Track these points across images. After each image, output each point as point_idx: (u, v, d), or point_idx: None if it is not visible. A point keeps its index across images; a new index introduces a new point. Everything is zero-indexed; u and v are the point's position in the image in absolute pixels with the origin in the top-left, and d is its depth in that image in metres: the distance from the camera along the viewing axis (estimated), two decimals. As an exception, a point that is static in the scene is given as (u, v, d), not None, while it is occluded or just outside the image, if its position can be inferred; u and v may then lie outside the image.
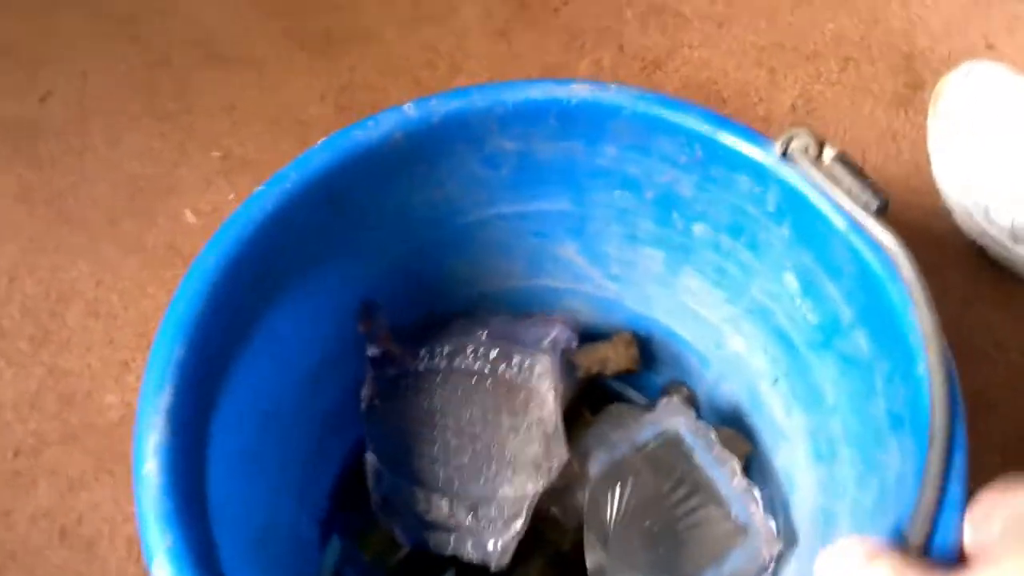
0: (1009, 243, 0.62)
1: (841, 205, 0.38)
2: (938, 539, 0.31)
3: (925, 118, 0.68)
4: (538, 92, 0.42)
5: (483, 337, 0.48)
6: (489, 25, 0.75)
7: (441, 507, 0.44)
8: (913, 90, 0.72)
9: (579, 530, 0.45)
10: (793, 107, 0.72)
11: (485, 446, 0.46)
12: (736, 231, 0.44)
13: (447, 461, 0.45)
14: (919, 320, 0.36)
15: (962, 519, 0.31)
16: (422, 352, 0.48)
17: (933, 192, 0.67)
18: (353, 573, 0.47)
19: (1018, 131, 0.61)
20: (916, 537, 0.31)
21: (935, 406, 0.34)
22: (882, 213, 0.38)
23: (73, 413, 0.58)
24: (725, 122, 0.41)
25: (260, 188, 0.39)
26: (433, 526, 0.44)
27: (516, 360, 0.47)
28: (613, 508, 0.45)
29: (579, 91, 0.42)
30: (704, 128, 0.41)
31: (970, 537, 0.29)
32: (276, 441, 0.43)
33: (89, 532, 0.54)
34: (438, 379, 0.47)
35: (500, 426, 0.46)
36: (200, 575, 0.31)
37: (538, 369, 0.46)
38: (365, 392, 0.47)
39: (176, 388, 0.34)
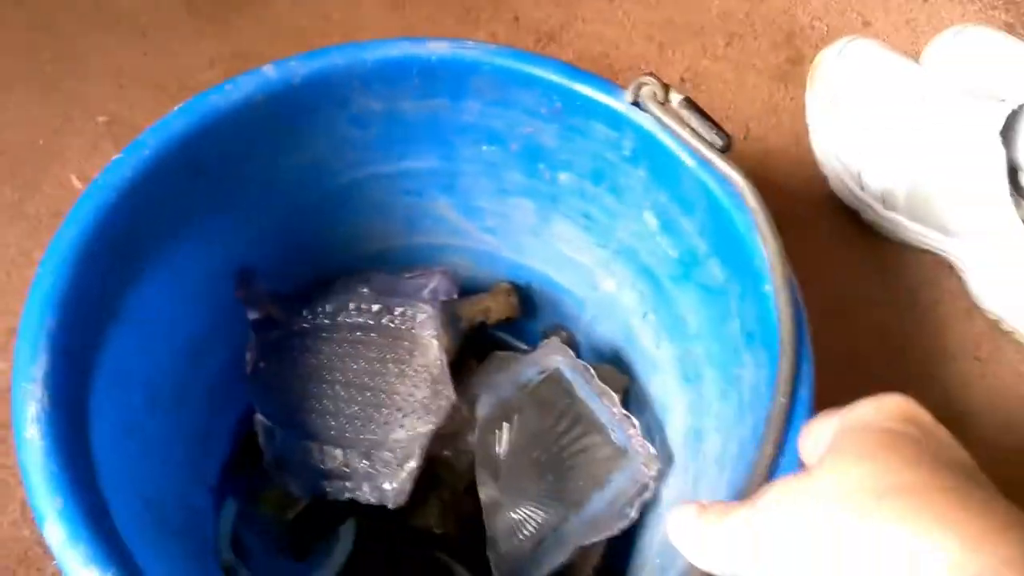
0: (880, 207, 0.65)
1: (690, 144, 0.40)
2: (791, 437, 0.34)
3: (804, 91, 0.71)
4: (397, 50, 0.43)
5: (365, 292, 0.49)
6: (384, -4, 0.75)
7: (336, 456, 0.45)
8: (793, 65, 0.74)
9: (472, 471, 0.46)
10: (681, 79, 0.74)
11: (374, 394, 0.47)
12: (598, 177, 0.45)
13: (338, 412, 0.46)
14: (763, 244, 0.38)
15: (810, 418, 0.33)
16: (305, 312, 0.48)
17: (811, 161, 0.69)
18: (250, 534, 0.47)
19: (888, 103, 0.64)
20: (771, 434, 0.34)
21: (782, 319, 0.36)
22: (726, 151, 0.40)
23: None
24: (580, 73, 0.43)
25: (118, 156, 0.38)
26: (329, 475, 0.45)
27: (398, 311, 0.48)
28: (501, 444, 0.46)
29: (438, 48, 0.43)
30: (560, 80, 0.43)
31: (802, 459, 0.31)
32: (162, 412, 0.42)
33: None
34: (323, 336, 0.48)
35: (387, 374, 0.47)
36: (94, 533, 0.30)
37: (420, 318, 0.47)
38: (249, 356, 0.47)
39: (50, 357, 0.34)
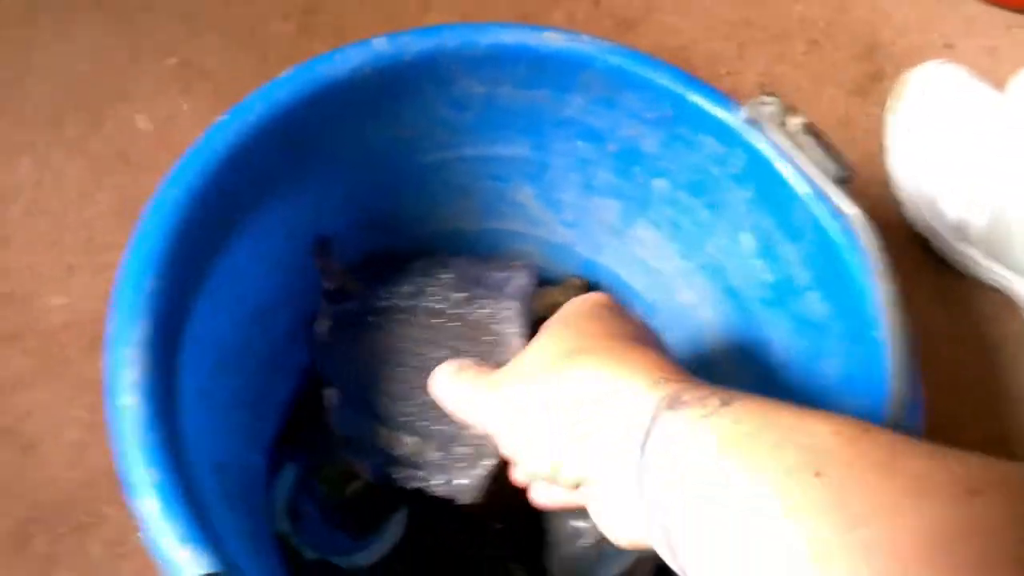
0: (952, 238, 0.64)
1: (805, 171, 0.39)
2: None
3: (881, 108, 0.70)
4: (511, 37, 0.41)
5: (447, 279, 0.47)
6: (465, -36, 0.73)
7: (406, 443, 0.43)
8: (872, 80, 0.73)
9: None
10: (758, 83, 0.72)
11: None
12: (697, 189, 0.44)
13: (410, 398, 0.44)
14: (878, 287, 0.37)
15: None
16: (381, 291, 0.47)
17: (883, 182, 0.68)
18: (307, 504, 0.47)
19: (973, 132, 0.63)
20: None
21: (895, 370, 0.35)
22: (845, 183, 0.39)
23: (14, 312, 0.56)
24: (696, 83, 0.42)
25: (222, 118, 0.37)
26: (399, 462, 0.43)
27: (484, 303, 0.46)
28: None
29: (552, 39, 0.41)
30: (675, 87, 0.41)
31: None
32: (228, 376, 0.42)
33: (30, 433, 0.53)
34: (400, 317, 0.46)
35: None
36: (189, 510, 0.30)
37: (504, 313, 0.46)
38: (320, 326, 0.46)
39: (152, 320, 0.33)
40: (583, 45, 0.42)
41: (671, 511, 0.25)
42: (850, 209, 0.38)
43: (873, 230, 0.37)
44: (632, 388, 0.28)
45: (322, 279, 0.46)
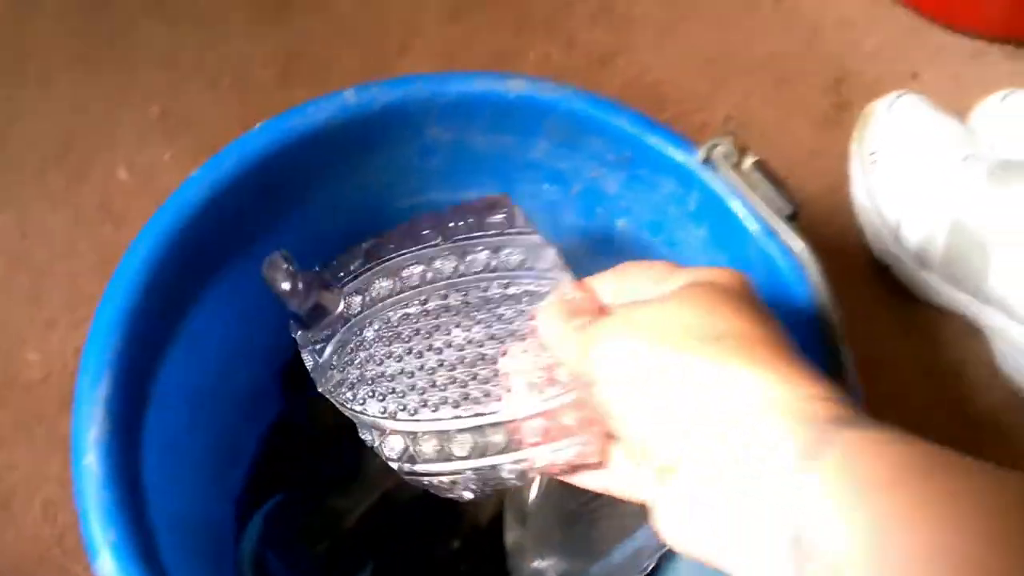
0: (914, 266, 0.66)
1: (756, 210, 0.41)
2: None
3: (848, 139, 0.72)
4: (477, 85, 0.43)
5: (438, 243, 0.39)
6: (444, 5, 0.76)
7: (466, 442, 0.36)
8: (839, 111, 0.75)
9: (498, 506, 0.47)
10: (728, 117, 0.74)
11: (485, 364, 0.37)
12: (656, 228, 0.46)
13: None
14: (822, 318, 0.38)
15: None
16: (366, 289, 0.38)
17: (847, 210, 0.70)
18: (274, 556, 0.47)
19: (933, 161, 0.65)
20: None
21: None
22: (793, 219, 0.40)
23: (-8, 367, 0.57)
24: (654, 126, 0.43)
25: (193, 174, 0.39)
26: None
27: (499, 247, 0.39)
28: (532, 492, 0.47)
29: (517, 86, 0.43)
30: (635, 130, 0.43)
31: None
32: (199, 428, 0.43)
33: (4, 489, 0.54)
34: (407, 305, 0.38)
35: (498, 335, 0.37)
36: (144, 569, 0.31)
37: (536, 250, 0.39)
38: (310, 359, 0.38)
39: (114, 378, 0.34)
40: (546, 91, 0.43)
41: (846, 533, 0.23)
42: (797, 244, 0.39)
43: (818, 264, 0.39)
44: (790, 402, 0.26)
45: (288, 304, 0.37)
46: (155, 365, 0.37)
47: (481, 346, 0.37)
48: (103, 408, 0.33)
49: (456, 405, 0.36)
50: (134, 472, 0.34)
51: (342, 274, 0.39)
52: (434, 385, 0.36)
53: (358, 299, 0.38)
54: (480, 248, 0.39)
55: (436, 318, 0.38)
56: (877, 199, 0.67)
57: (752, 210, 0.41)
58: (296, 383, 0.48)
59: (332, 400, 0.37)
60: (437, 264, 0.39)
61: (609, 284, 0.35)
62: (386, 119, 0.42)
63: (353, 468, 0.46)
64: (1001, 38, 0.80)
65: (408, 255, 0.39)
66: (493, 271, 0.39)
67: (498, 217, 0.40)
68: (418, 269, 0.39)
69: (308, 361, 0.38)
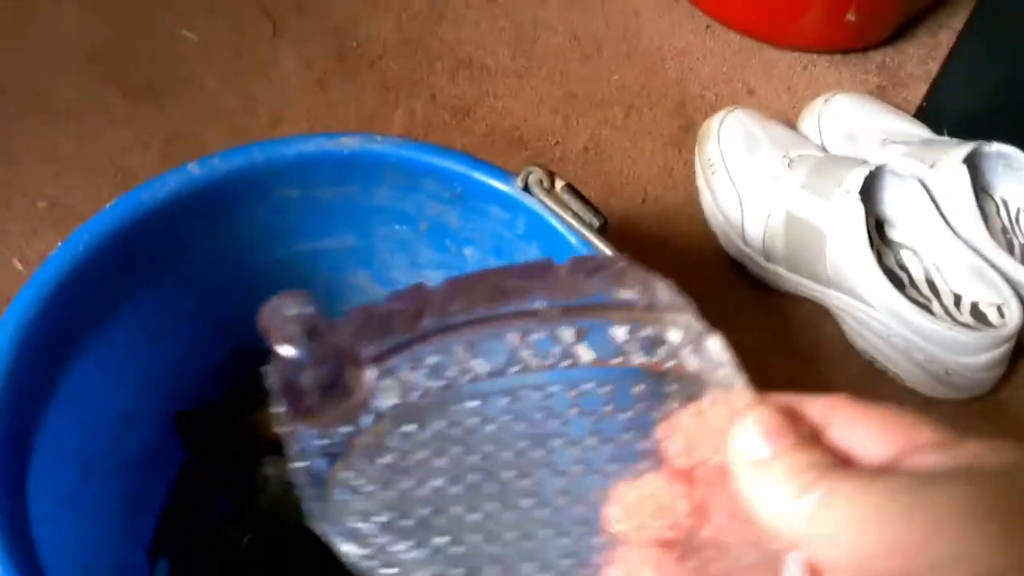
0: (763, 260, 0.72)
1: (571, 225, 0.46)
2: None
3: (694, 156, 0.78)
4: (313, 146, 0.48)
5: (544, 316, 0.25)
6: (308, 76, 0.81)
7: None
8: (685, 131, 0.82)
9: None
10: (585, 148, 0.81)
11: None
12: (498, 252, 0.51)
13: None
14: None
15: None
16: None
17: (703, 219, 0.76)
18: None
19: (762, 166, 0.72)
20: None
21: None
22: (603, 231, 0.46)
23: None
24: (476, 162, 0.49)
25: (53, 253, 0.43)
26: None
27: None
28: None
29: (350, 143, 0.48)
30: (459, 168, 0.49)
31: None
32: (96, 481, 0.46)
33: None
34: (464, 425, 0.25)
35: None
36: None
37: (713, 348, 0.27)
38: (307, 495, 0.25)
39: None
40: (376, 144, 0.49)
41: None
42: (607, 252, 0.45)
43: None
44: None
45: (286, 371, 0.26)
46: (35, 425, 0.40)
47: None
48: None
49: None
50: (19, 524, 0.37)
51: (372, 345, 0.26)
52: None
53: (407, 383, 0.25)
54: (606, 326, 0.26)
55: (537, 441, 0.24)
56: (721, 205, 0.73)
57: (568, 226, 0.46)
58: (192, 430, 0.52)
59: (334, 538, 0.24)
60: (537, 339, 0.25)
61: (821, 414, 0.25)
62: (232, 185, 0.47)
63: (242, 502, 0.50)
64: (825, 49, 0.89)
65: (496, 324, 0.25)
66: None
67: (627, 294, 0.26)
68: (506, 346, 0.25)
69: (302, 476, 0.24)
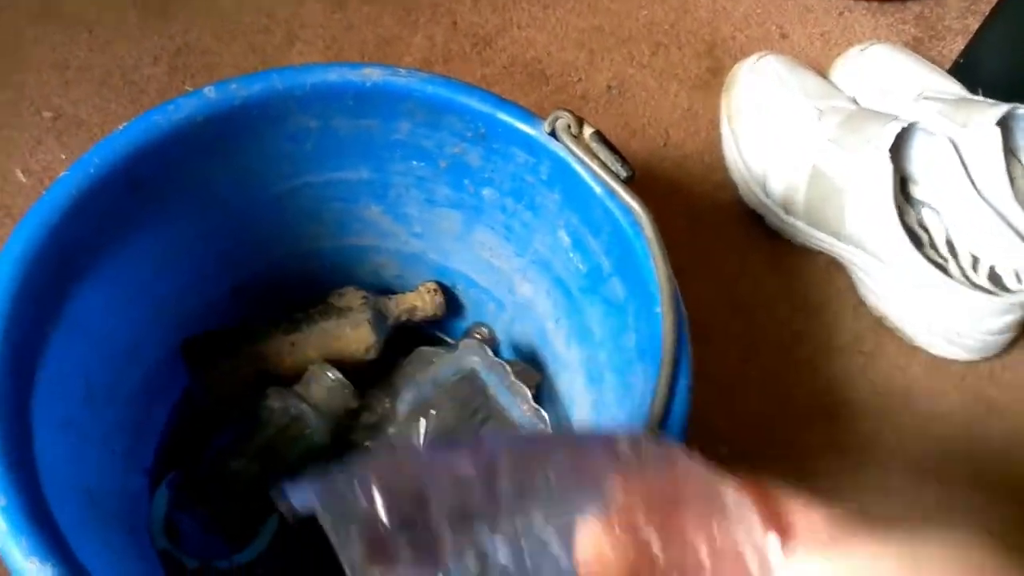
0: (782, 213, 0.70)
1: (597, 174, 0.45)
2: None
3: (720, 101, 0.76)
4: (335, 75, 0.46)
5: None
6: (327, -4, 0.78)
7: None
8: (713, 75, 0.79)
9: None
10: (608, 86, 0.78)
11: None
12: (518, 195, 0.50)
13: None
14: (656, 270, 0.43)
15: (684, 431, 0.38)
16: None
17: (724, 167, 0.75)
18: (185, 518, 0.50)
19: (792, 115, 0.70)
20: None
21: (666, 337, 0.41)
22: (630, 182, 0.45)
23: None
24: (502, 103, 0.47)
25: (63, 174, 0.41)
26: None
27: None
28: (419, 438, 0.51)
29: (372, 75, 0.46)
30: (484, 108, 0.47)
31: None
32: (99, 405, 0.46)
33: None
34: None
35: None
36: (35, 529, 0.34)
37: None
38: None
39: None
40: (400, 78, 0.47)
41: None
42: (634, 204, 0.43)
43: (652, 221, 0.43)
44: None
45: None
46: (39, 347, 0.40)
47: None
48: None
49: None
50: (23, 443, 0.37)
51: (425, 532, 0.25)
52: None
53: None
54: None
55: None
56: (744, 154, 0.71)
57: (594, 174, 0.45)
58: (198, 356, 0.51)
59: None
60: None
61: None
62: (249, 111, 0.45)
63: (245, 432, 0.50)
64: (863, -5, 0.85)
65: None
66: None
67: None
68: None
69: None
